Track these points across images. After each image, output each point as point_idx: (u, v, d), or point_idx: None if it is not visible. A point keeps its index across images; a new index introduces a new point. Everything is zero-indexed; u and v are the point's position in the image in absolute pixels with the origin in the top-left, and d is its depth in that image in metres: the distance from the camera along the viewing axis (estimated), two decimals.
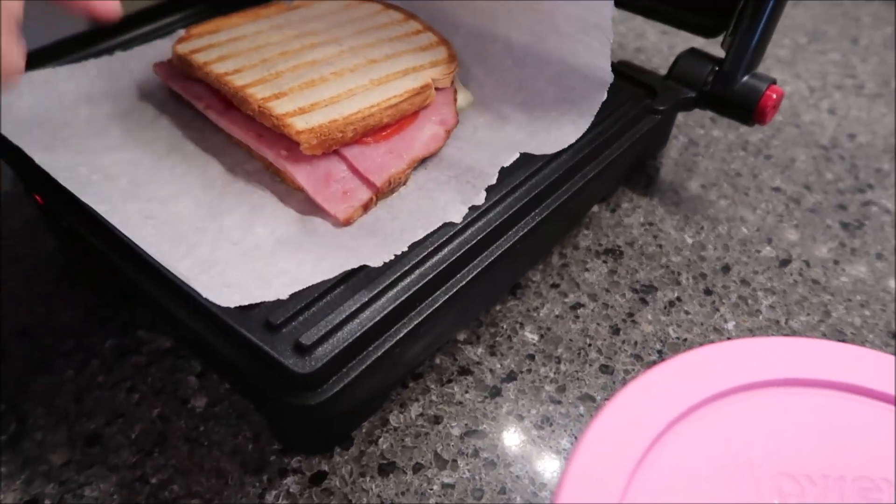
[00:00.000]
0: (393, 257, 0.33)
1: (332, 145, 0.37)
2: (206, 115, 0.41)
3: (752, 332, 0.42)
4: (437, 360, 0.40)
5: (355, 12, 0.47)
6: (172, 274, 0.31)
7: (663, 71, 0.48)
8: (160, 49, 0.47)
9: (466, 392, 0.39)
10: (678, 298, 0.44)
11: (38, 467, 0.35)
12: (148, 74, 0.45)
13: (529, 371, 0.40)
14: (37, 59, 0.45)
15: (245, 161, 0.40)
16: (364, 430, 0.37)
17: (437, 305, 0.33)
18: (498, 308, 0.43)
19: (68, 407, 0.38)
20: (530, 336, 0.42)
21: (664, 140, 0.54)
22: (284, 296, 0.31)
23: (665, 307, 0.43)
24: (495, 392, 0.39)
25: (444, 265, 0.33)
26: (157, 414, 0.38)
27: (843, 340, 0.42)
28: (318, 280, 0.32)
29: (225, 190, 0.38)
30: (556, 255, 0.46)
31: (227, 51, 0.42)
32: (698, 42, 0.67)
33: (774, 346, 0.27)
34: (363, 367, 0.30)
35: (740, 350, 0.27)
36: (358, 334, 0.30)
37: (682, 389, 0.26)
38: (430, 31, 0.45)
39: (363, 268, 0.33)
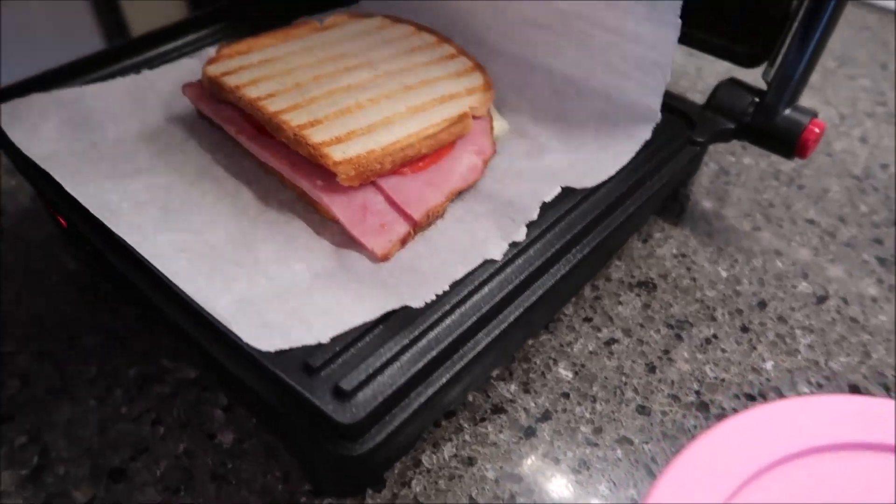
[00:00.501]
0: (434, 297, 0.32)
1: (370, 176, 0.36)
2: (237, 139, 0.39)
3: (790, 373, 0.41)
4: (470, 397, 0.39)
5: (388, 34, 0.46)
6: (211, 315, 0.30)
7: (691, 95, 0.47)
8: (188, 68, 0.46)
9: (500, 432, 0.38)
10: (714, 335, 0.43)
11: None
12: (176, 94, 0.44)
13: (564, 410, 0.39)
14: (62, 77, 0.44)
15: (277, 189, 0.39)
16: (396, 472, 0.36)
17: (479, 348, 0.32)
18: (531, 342, 0.42)
19: (92, 439, 0.37)
20: (564, 373, 0.41)
21: (696, 168, 0.53)
22: (326, 339, 0.30)
23: (701, 344, 0.42)
24: (530, 432, 0.38)
25: (487, 306, 0.32)
26: (183, 449, 0.37)
27: (884, 384, 0.41)
28: (360, 322, 0.31)
29: (257, 220, 0.37)
30: (589, 287, 0.45)
31: (260, 73, 0.41)
32: (725, 66, 0.66)
33: (846, 405, 0.26)
34: (406, 414, 0.29)
35: (809, 408, 0.26)
36: (402, 381, 0.29)
37: (751, 450, 0.25)
38: (465, 56, 0.44)
39: (402, 307, 0.32)
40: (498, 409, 0.39)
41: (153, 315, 0.41)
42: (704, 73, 0.65)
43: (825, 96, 0.63)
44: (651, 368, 0.41)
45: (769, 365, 0.41)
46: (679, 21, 0.37)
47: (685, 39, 0.47)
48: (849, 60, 0.68)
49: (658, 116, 0.40)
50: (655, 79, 0.39)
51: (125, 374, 0.40)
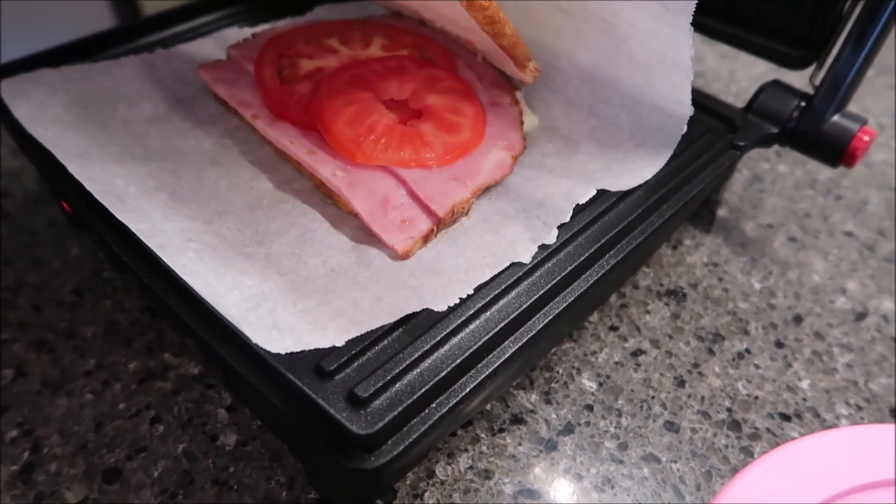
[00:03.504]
0: (458, 300, 0.30)
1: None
2: (253, 125, 0.37)
3: (828, 393, 0.39)
4: (488, 406, 0.37)
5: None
6: (219, 312, 0.28)
7: (724, 97, 0.45)
8: (203, 48, 0.44)
9: (520, 444, 0.36)
10: (747, 350, 0.41)
11: None
12: (190, 76, 0.42)
13: (588, 424, 0.37)
14: (73, 54, 0.42)
15: (293, 179, 0.36)
16: (408, 482, 0.34)
17: (506, 356, 0.29)
18: (553, 350, 0.40)
19: (87, 436, 0.35)
20: (588, 384, 0.38)
21: (729, 174, 0.50)
22: (340, 343, 0.28)
23: (733, 359, 0.40)
24: (551, 446, 0.36)
25: (516, 312, 0.30)
26: (183, 450, 0.35)
27: None
28: (378, 325, 0.28)
29: (272, 210, 0.34)
30: (615, 294, 0.43)
31: None
32: (760, 68, 0.64)
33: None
34: (425, 426, 0.27)
35: (859, 440, 0.24)
36: (422, 390, 0.27)
37: (798, 486, 0.23)
38: None
39: (423, 309, 0.30)
40: (517, 420, 0.37)
41: (158, 307, 0.39)
42: (737, 76, 0.63)
43: (864, 105, 0.61)
44: (680, 382, 0.39)
45: (805, 384, 0.39)
46: (691, 28, 0.34)
47: (728, 39, 0.45)
48: (887, 69, 0.66)
49: (690, 110, 0.37)
50: (680, 76, 0.36)
51: (125, 369, 0.38)
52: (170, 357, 0.38)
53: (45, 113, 0.37)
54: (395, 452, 0.26)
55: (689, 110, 0.37)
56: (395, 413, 0.26)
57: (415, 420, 0.27)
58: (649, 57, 0.37)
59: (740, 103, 0.45)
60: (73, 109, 0.38)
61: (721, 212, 0.49)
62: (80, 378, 0.37)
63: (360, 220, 0.34)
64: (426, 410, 0.27)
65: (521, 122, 0.39)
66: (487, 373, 0.29)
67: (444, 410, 0.27)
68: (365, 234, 0.33)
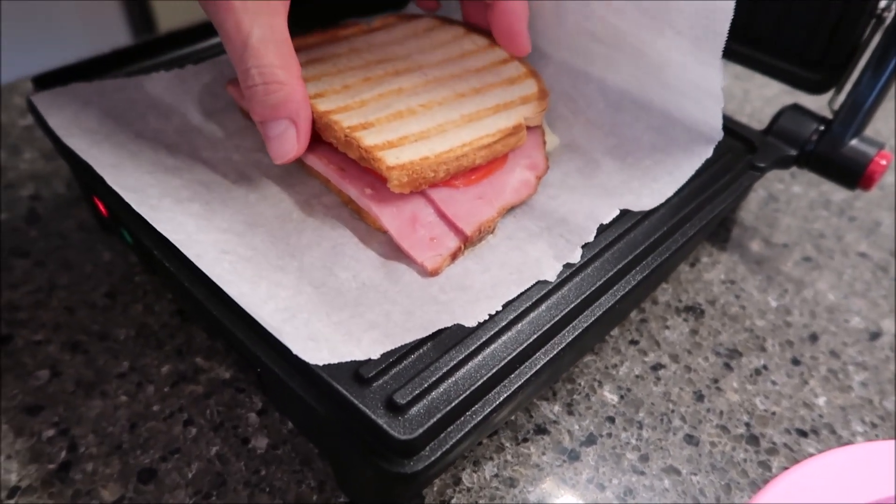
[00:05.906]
0: (487, 317, 0.31)
1: (423, 184, 0.34)
2: None
3: (843, 410, 0.39)
4: (513, 416, 0.38)
5: (438, 37, 0.45)
6: (258, 322, 0.29)
7: (738, 118, 0.46)
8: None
9: (543, 454, 0.36)
10: (764, 366, 0.41)
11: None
12: (218, 90, 0.43)
13: (610, 435, 0.37)
14: (104, 66, 0.44)
15: (321, 193, 0.37)
16: (435, 489, 0.35)
17: (537, 368, 0.30)
18: (575, 363, 0.40)
19: (122, 436, 0.36)
20: (609, 396, 0.39)
21: (747, 193, 0.51)
22: (376, 355, 0.28)
23: (751, 375, 0.41)
24: (574, 456, 0.36)
25: (547, 325, 0.31)
26: (216, 452, 0.35)
27: None
28: (411, 339, 0.29)
29: (302, 224, 0.35)
30: (635, 308, 0.44)
31: (308, 73, 0.40)
32: (774, 89, 0.65)
33: None
34: (461, 433, 0.28)
35: (877, 456, 0.25)
36: (458, 398, 0.28)
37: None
38: (518, 62, 0.43)
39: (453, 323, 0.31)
40: (541, 430, 0.37)
41: (193, 311, 0.40)
42: (752, 97, 0.64)
43: (875, 128, 0.62)
44: (699, 397, 0.40)
45: (821, 401, 0.40)
46: (720, 64, 0.36)
47: (747, 62, 0.46)
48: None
49: (720, 134, 0.38)
50: (710, 102, 0.38)
51: (157, 371, 0.39)
52: (200, 361, 0.39)
53: (79, 124, 0.38)
54: (432, 458, 0.27)
55: (718, 135, 0.38)
56: (434, 420, 0.27)
57: (451, 427, 0.28)
58: (682, 84, 0.39)
59: (754, 123, 0.46)
60: (107, 121, 0.39)
61: (737, 230, 0.50)
62: (113, 379, 0.38)
63: (389, 236, 0.34)
64: (462, 418, 0.28)
65: (544, 143, 0.40)
66: (520, 383, 0.30)
67: (478, 419, 0.28)
68: (393, 250, 0.34)
